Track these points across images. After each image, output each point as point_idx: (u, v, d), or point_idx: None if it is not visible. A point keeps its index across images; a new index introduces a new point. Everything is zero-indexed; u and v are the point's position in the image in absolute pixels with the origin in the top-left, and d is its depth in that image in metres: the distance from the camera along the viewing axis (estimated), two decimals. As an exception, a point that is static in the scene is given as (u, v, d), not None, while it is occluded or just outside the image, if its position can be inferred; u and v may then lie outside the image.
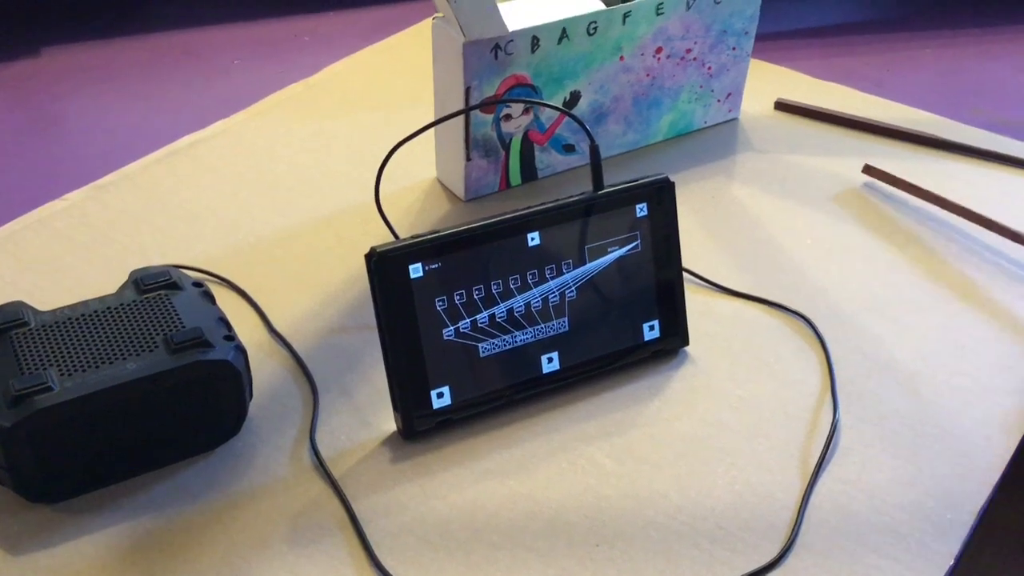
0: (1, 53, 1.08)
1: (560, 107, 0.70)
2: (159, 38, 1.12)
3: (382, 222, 0.82)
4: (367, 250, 0.64)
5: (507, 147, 0.87)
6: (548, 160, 0.90)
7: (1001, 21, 1.19)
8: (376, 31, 1.11)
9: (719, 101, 0.97)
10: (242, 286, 0.79)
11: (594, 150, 0.69)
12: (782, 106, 1.01)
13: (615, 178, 0.70)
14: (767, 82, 1.04)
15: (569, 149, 0.91)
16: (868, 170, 0.91)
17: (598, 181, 0.69)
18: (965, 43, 1.14)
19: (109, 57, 1.09)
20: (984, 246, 0.84)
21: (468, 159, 0.86)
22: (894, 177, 0.89)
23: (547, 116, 0.88)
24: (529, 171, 0.90)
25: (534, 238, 0.67)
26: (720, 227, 0.86)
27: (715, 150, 0.95)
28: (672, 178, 0.89)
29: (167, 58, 1.09)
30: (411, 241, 0.64)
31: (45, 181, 0.90)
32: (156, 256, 0.82)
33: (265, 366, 0.72)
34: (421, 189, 0.90)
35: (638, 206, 0.70)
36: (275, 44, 1.12)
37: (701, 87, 0.95)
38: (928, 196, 0.87)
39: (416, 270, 0.64)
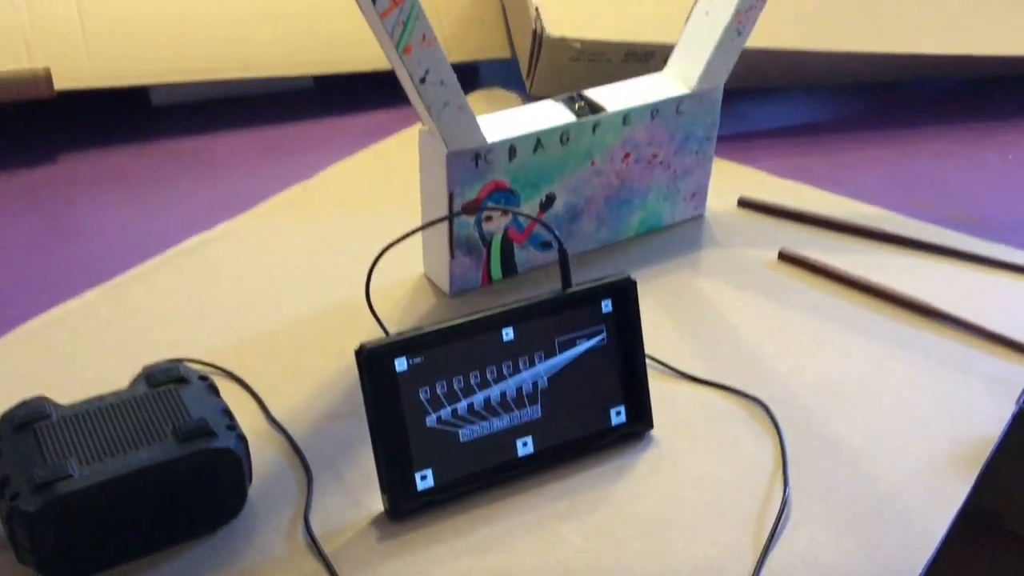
0: (22, 159, 1.16)
1: (533, 216, 0.78)
2: (169, 144, 1.20)
3: (372, 316, 0.89)
4: (358, 343, 0.71)
5: (488, 245, 0.95)
6: (527, 256, 0.98)
7: (947, 121, 1.28)
8: (367, 136, 1.19)
9: (685, 200, 1.05)
10: (243, 376, 0.85)
11: (562, 254, 0.76)
12: (745, 203, 1.09)
13: (588, 272, 0.78)
14: (731, 181, 1.12)
15: (546, 246, 0.98)
16: (782, 256, 0.99)
17: (566, 281, 0.77)
18: (915, 142, 1.23)
19: (122, 162, 1.16)
20: (927, 332, 0.91)
21: (452, 257, 0.93)
22: (808, 262, 0.98)
23: (525, 216, 0.95)
24: (509, 267, 0.97)
25: (508, 333, 0.75)
26: (684, 317, 0.93)
27: (681, 245, 1.03)
28: (640, 272, 0.97)
29: (176, 163, 1.17)
30: (396, 338, 0.71)
31: (63, 281, 0.97)
32: (165, 349, 0.88)
33: (264, 451, 0.79)
34: (410, 284, 0.97)
35: (603, 302, 0.77)
36: (275, 149, 1.20)
37: (668, 187, 1.03)
38: (843, 279, 0.97)
39: (401, 364, 0.71)
